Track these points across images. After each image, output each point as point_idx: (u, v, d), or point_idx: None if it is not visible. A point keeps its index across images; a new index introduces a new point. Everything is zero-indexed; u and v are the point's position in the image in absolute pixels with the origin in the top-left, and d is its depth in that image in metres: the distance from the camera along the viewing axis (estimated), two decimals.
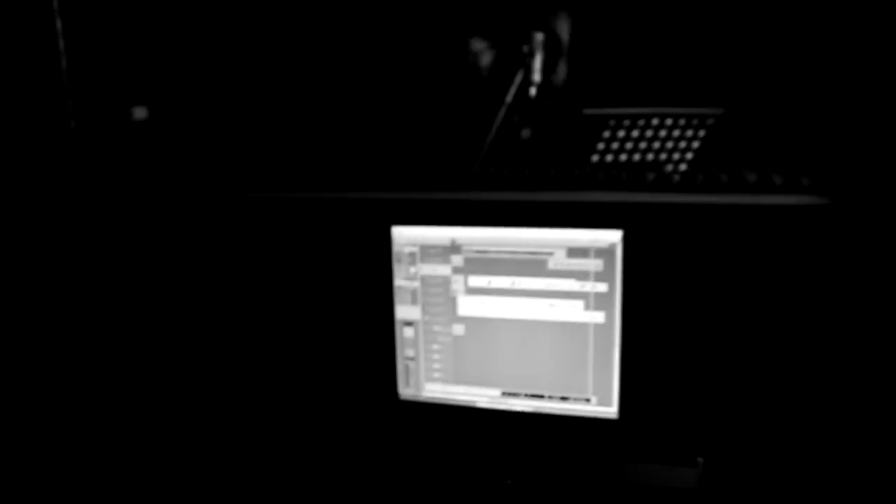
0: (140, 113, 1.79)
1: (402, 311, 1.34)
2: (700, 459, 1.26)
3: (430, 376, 1.36)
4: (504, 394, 1.33)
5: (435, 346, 1.34)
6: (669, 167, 2.04)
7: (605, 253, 1.23)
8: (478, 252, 1.29)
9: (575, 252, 1.24)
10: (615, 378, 1.26)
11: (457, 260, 1.30)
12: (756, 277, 1.25)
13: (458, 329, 1.32)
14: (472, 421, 1.36)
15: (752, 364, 1.25)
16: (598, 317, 1.25)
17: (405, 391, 1.38)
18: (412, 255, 1.32)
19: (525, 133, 2.33)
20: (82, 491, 1.47)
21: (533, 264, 1.26)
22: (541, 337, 1.28)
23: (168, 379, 1.56)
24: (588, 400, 1.28)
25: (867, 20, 1.52)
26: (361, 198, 1.40)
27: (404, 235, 1.32)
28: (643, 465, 1.29)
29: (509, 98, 2.27)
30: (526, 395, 1.32)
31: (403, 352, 1.36)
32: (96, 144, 1.61)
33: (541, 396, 1.31)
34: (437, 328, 1.33)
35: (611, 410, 1.27)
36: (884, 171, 1.24)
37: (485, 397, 1.34)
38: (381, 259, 1.34)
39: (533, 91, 2.30)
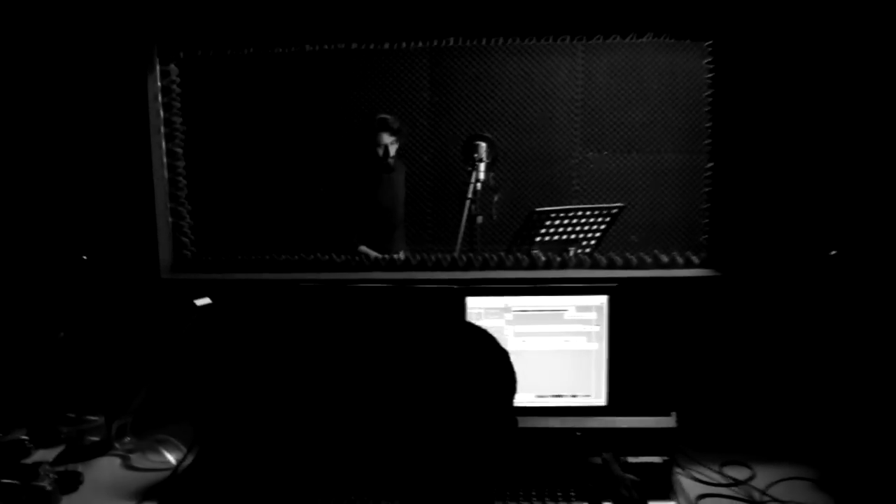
0: None
1: None
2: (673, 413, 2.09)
3: None
4: (537, 396, 2.18)
5: None
6: (584, 243, 3.00)
7: (598, 308, 2.11)
8: (519, 310, 2.14)
9: (581, 308, 2.12)
10: (604, 381, 2.14)
11: (508, 316, 2.14)
12: (677, 320, 2.18)
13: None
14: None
15: (682, 371, 2.18)
16: (595, 346, 2.12)
17: None
18: (478, 314, 2.15)
19: (479, 220, 3.17)
20: None
21: (555, 316, 2.13)
22: (560, 360, 2.14)
23: None
24: (588, 395, 2.15)
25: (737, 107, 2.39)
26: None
27: (475, 303, 2.15)
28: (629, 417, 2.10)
29: (469, 194, 3.12)
30: (551, 396, 2.17)
31: None
32: None
33: (560, 395, 2.16)
34: None
35: (601, 400, 2.15)
36: (758, 252, 2.20)
37: (526, 399, 2.18)
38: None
39: (479, 187, 3.15)
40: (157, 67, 2.37)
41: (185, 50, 2.40)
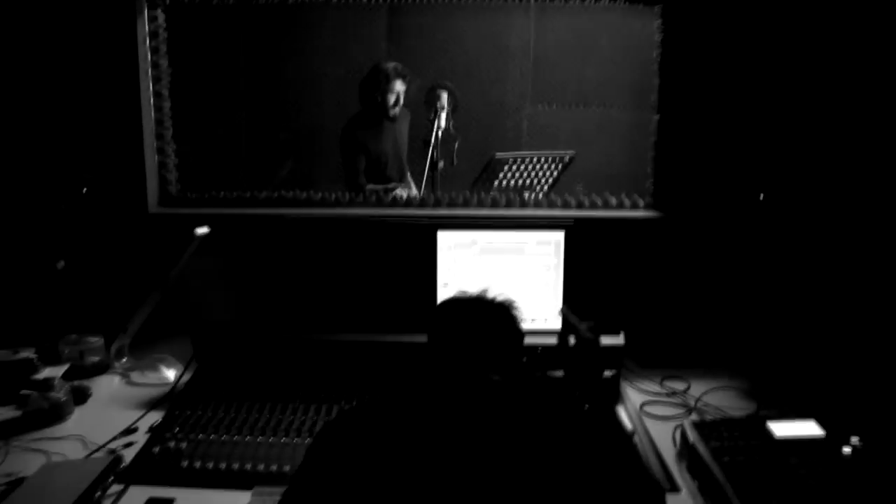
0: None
1: (441, 277, 2.41)
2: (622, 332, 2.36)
3: None
4: None
5: None
6: (538, 188, 3.25)
7: (555, 243, 2.37)
8: (486, 244, 2.38)
9: (540, 243, 2.37)
10: (560, 299, 2.40)
11: (475, 249, 2.38)
12: (625, 254, 2.46)
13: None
14: None
15: (630, 298, 2.46)
16: (553, 276, 2.38)
17: None
18: (449, 246, 2.38)
19: (440, 165, 3.39)
20: None
21: (517, 249, 2.37)
22: (522, 288, 2.39)
23: None
24: (546, 319, 2.41)
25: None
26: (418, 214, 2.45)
27: (445, 236, 2.38)
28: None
29: (432, 139, 3.33)
30: None
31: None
32: None
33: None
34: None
35: (557, 325, 2.41)
36: (697, 196, 2.48)
37: None
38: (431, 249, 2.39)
39: (440, 134, 3.37)
40: (146, 12, 2.48)
41: None
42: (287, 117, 4.30)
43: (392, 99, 3.53)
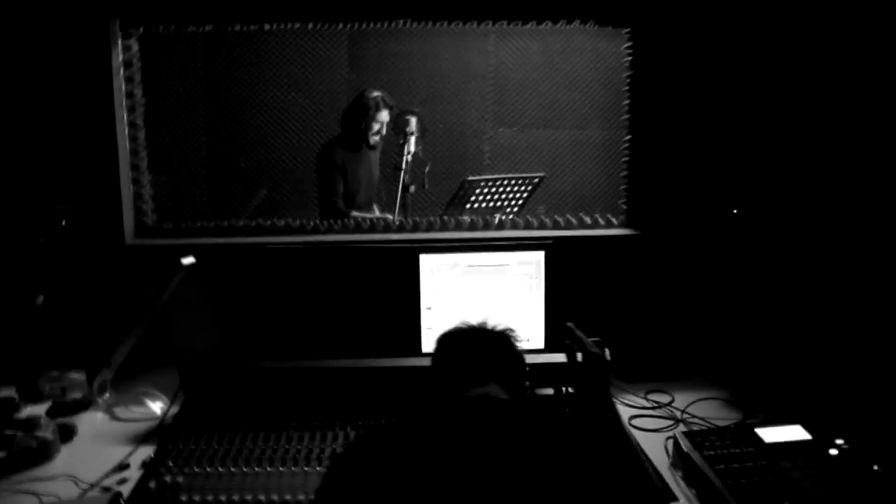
0: None
1: (425, 300, 2.42)
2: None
3: None
4: None
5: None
6: (508, 209, 3.30)
7: (536, 263, 2.41)
8: (468, 266, 2.41)
9: (521, 263, 2.41)
10: (542, 326, 2.44)
11: (457, 271, 2.41)
12: (604, 271, 2.52)
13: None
14: None
15: (610, 314, 2.52)
16: (535, 295, 2.42)
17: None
18: (431, 269, 2.40)
19: (412, 189, 3.44)
20: None
21: (499, 270, 2.41)
22: (505, 308, 2.42)
23: None
24: (528, 340, 2.44)
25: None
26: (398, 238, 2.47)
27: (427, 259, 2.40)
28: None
29: (403, 165, 3.38)
30: None
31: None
32: None
33: None
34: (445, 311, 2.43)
35: (540, 344, 2.45)
36: (671, 213, 2.56)
37: None
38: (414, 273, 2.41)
39: (409, 159, 3.42)
40: (119, 42, 2.47)
41: (146, 25, 2.51)
42: (250, 146, 4.30)
43: (375, 128, 3.61)
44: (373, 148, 3.69)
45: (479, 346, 1.66)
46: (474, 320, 1.74)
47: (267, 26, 2.64)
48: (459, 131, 4.49)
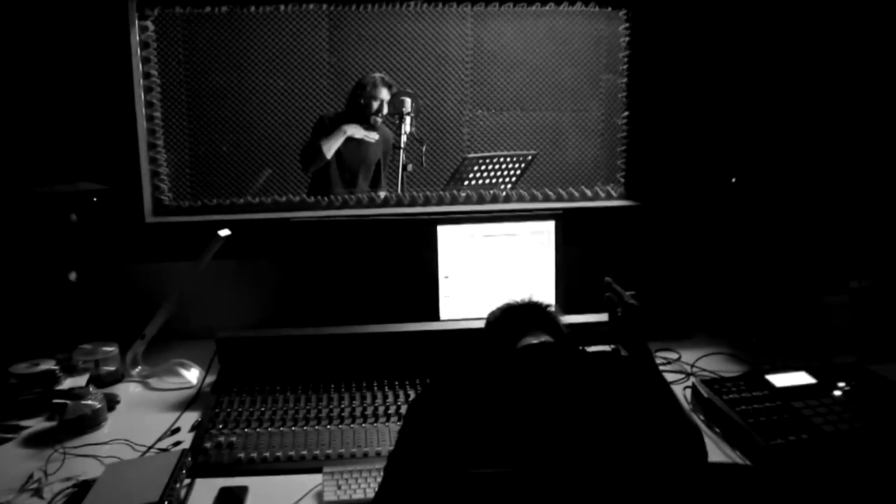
0: None
1: (443, 270, 2.54)
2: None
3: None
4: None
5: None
6: (503, 185, 3.43)
7: (548, 232, 2.54)
8: (484, 235, 2.53)
9: (534, 232, 2.54)
10: (552, 290, 2.57)
11: (474, 241, 2.53)
12: (609, 238, 2.67)
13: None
14: None
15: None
16: (547, 261, 2.55)
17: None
18: (449, 240, 2.52)
19: (409, 168, 3.55)
20: None
21: (513, 239, 2.54)
22: (519, 274, 2.55)
23: None
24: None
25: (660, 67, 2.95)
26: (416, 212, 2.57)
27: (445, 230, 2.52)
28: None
29: (402, 144, 3.49)
30: None
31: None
32: None
33: None
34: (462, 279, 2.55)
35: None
36: (668, 184, 2.72)
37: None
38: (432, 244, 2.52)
39: (405, 138, 3.53)
40: (137, 23, 2.51)
41: (162, 5, 2.56)
42: (231, 130, 4.33)
43: (376, 105, 3.69)
44: (372, 127, 3.75)
45: (529, 309, 1.80)
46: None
47: (252, 8, 2.71)
48: (444, 112, 4.59)
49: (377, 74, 3.73)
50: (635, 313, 1.90)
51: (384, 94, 3.70)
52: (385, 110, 3.74)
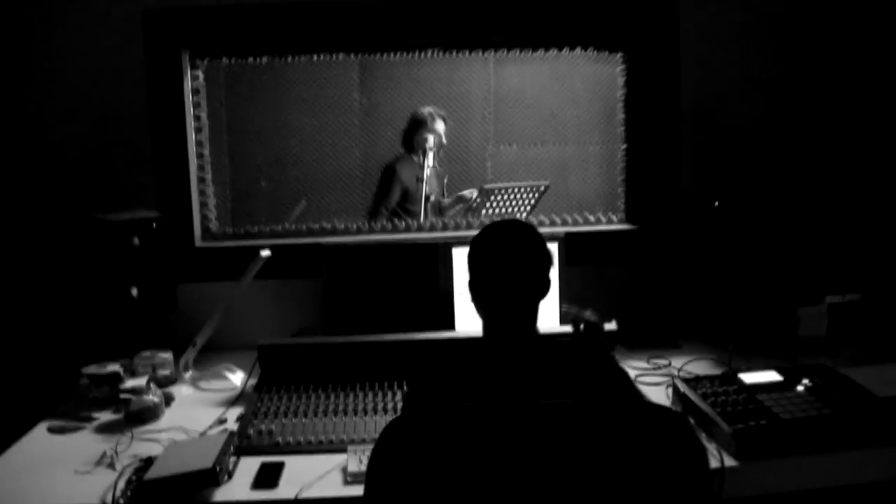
0: None
1: (458, 287, 2.84)
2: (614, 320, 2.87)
3: None
4: None
5: None
6: (519, 214, 3.73)
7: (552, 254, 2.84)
8: None
9: None
10: (557, 309, 2.87)
11: None
12: (609, 259, 2.96)
13: None
14: None
15: (616, 293, 2.96)
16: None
17: None
18: (464, 262, 2.82)
19: (432, 199, 3.88)
20: None
21: None
22: None
23: None
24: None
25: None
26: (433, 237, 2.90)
27: (460, 252, 2.83)
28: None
29: (424, 176, 3.82)
30: None
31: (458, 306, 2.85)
32: None
33: None
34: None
35: (555, 325, 2.88)
36: (663, 210, 3.01)
37: None
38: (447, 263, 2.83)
39: (428, 171, 3.86)
40: (189, 72, 2.89)
41: (211, 56, 2.95)
42: (268, 166, 4.71)
43: (432, 139, 3.91)
44: (426, 160, 3.89)
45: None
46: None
47: (290, 59, 3.07)
48: (465, 147, 4.93)
49: (427, 109, 4.03)
50: (596, 328, 2.24)
51: (440, 127, 4.01)
52: (444, 141, 4.03)
